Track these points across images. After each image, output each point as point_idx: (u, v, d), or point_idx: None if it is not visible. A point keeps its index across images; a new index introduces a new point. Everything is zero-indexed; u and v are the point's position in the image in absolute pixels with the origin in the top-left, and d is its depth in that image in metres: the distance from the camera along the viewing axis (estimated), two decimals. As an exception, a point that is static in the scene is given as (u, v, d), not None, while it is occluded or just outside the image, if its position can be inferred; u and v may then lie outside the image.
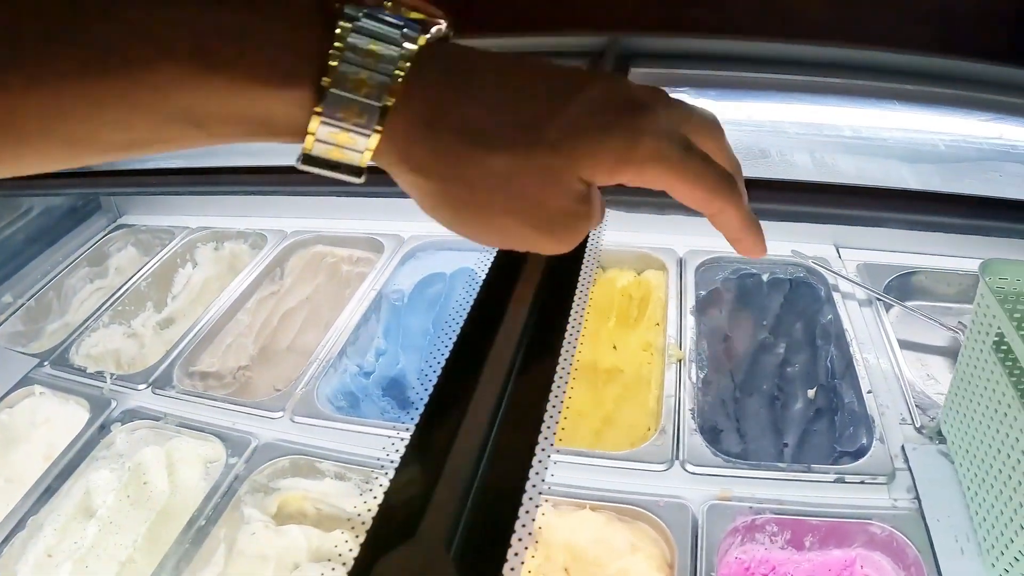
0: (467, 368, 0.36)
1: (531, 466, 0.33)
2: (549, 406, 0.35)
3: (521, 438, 0.35)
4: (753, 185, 0.34)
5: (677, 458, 0.69)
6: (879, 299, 0.88)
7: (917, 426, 0.74)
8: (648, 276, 0.92)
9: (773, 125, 0.85)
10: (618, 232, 0.94)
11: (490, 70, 0.26)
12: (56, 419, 0.84)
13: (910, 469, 0.69)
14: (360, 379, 0.85)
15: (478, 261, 1.04)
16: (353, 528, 0.30)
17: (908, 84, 0.88)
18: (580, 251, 0.42)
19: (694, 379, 0.77)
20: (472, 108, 0.25)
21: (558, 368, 0.37)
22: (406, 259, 0.97)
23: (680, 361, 0.79)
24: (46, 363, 0.88)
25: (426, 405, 0.35)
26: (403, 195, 0.29)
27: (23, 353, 0.91)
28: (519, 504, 0.31)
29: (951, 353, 0.86)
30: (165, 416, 0.78)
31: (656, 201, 0.58)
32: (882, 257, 0.94)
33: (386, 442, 0.31)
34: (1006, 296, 0.68)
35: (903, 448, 0.71)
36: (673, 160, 0.27)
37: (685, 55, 0.85)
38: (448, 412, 0.35)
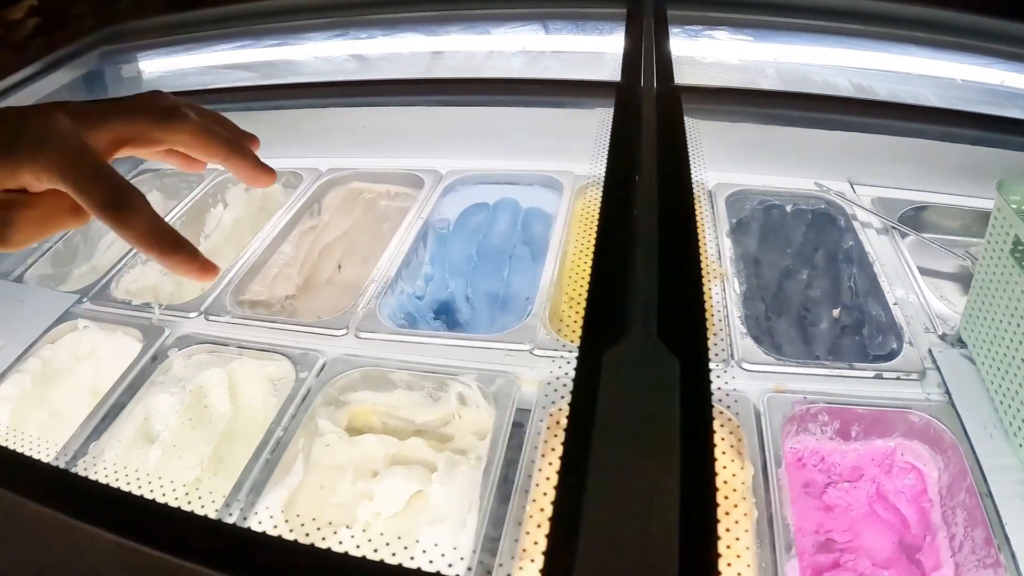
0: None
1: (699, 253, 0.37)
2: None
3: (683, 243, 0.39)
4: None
5: (732, 358, 0.74)
6: (894, 228, 0.94)
7: (939, 334, 0.80)
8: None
9: (802, 66, 0.91)
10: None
11: None
12: (102, 351, 0.83)
13: (938, 368, 0.75)
14: (415, 300, 0.86)
15: (518, 192, 1.06)
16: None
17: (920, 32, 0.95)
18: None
19: (738, 291, 0.82)
20: None
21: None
22: (447, 191, 1.00)
23: (723, 277, 0.83)
24: (85, 299, 0.87)
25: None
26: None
27: (59, 291, 0.89)
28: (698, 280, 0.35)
29: (960, 279, 0.93)
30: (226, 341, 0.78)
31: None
32: (893, 193, 1.01)
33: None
34: (1020, 214, 0.75)
35: (930, 351, 0.77)
36: (60, 168, 0.33)
37: (717, 1, 0.90)
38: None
